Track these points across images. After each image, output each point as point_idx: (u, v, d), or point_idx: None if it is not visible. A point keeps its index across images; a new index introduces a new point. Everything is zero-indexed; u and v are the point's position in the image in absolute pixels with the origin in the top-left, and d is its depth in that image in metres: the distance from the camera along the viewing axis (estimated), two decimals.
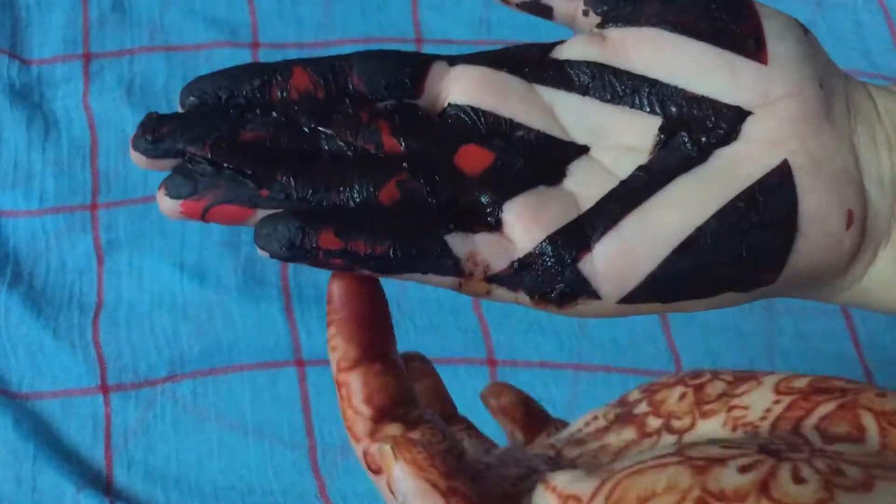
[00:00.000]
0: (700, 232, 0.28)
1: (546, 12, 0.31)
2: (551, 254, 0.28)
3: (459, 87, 0.30)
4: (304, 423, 0.45)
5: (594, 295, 0.29)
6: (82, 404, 0.45)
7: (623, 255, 0.28)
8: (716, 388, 0.28)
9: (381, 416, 0.27)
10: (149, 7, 0.55)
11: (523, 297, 0.29)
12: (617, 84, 0.30)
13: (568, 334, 0.48)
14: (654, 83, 0.30)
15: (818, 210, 0.29)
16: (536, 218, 0.29)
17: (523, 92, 0.30)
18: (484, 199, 0.29)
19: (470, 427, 0.36)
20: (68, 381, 0.46)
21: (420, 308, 0.48)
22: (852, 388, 0.27)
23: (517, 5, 0.31)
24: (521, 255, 0.29)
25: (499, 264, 0.29)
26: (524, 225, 0.29)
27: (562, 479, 0.26)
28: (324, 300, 0.48)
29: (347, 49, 0.56)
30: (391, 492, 0.26)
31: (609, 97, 0.30)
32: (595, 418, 0.30)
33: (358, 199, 0.29)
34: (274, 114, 0.29)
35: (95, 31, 0.55)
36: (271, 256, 0.27)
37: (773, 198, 0.29)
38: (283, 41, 0.56)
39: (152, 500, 0.43)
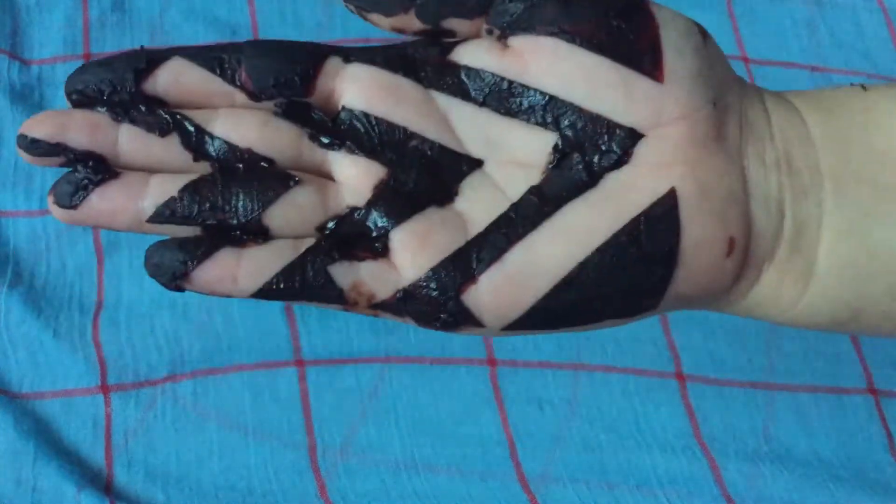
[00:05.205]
0: (582, 267, 0.28)
1: (448, 35, 0.31)
2: (435, 286, 0.28)
3: (353, 90, 0.30)
4: (304, 423, 0.45)
5: (478, 324, 0.29)
6: (83, 404, 0.45)
7: (506, 288, 0.28)
8: None
9: None
10: (149, 7, 0.56)
11: (409, 321, 0.29)
12: (513, 98, 0.30)
13: (568, 335, 0.48)
14: (550, 98, 0.29)
15: (700, 240, 0.29)
16: (423, 246, 0.29)
17: (419, 99, 0.30)
18: (372, 224, 0.29)
19: None
20: (69, 381, 0.46)
21: None
22: None
23: (416, 32, 0.31)
24: (405, 284, 0.29)
25: (383, 293, 0.29)
26: (411, 254, 0.29)
27: None
28: None
29: None
30: None
31: (505, 111, 0.30)
32: None
33: (243, 220, 0.28)
34: (161, 112, 0.29)
35: (96, 31, 0.55)
36: (163, 285, 0.28)
37: (656, 230, 0.28)
38: None
39: (153, 499, 0.43)
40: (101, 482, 0.44)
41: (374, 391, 0.46)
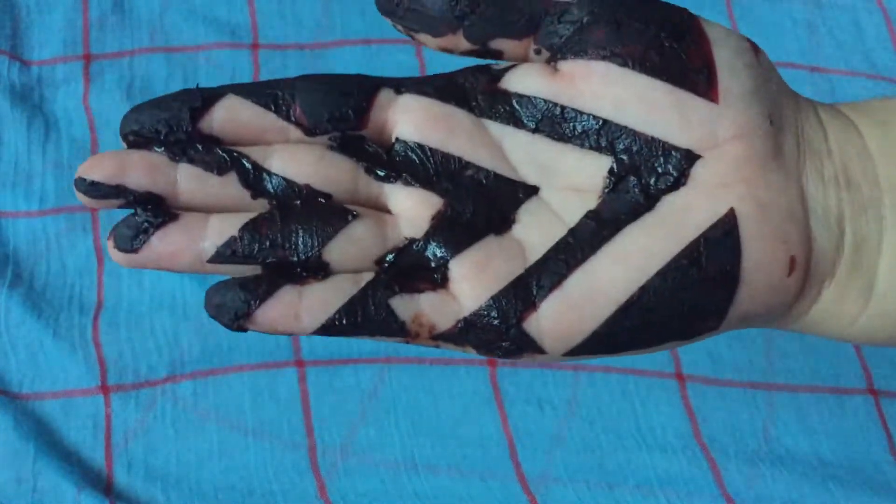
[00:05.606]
0: (643, 291, 0.28)
1: (496, 55, 0.30)
2: (496, 315, 0.28)
3: (406, 122, 0.30)
4: (304, 423, 0.45)
5: (539, 350, 0.28)
6: (83, 405, 0.45)
7: (567, 314, 0.28)
8: None
9: None
10: (149, 8, 0.56)
11: (471, 350, 0.29)
12: (566, 123, 0.29)
13: None
14: (603, 122, 0.29)
15: (761, 260, 0.29)
16: (482, 276, 0.28)
17: (472, 128, 0.30)
18: (430, 255, 0.29)
19: None
20: (69, 381, 0.46)
21: None
22: None
23: (463, 52, 0.30)
24: (466, 314, 0.28)
25: (444, 324, 0.28)
26: (470, 283, 0.28)
27: None
28: None
29: (347, 51, 0.56)
30: None
31: (558, 136, 0.29)
32: None
33: (303, 257, 0.28)
34: (218, 150, 0.29)
35: (95, 32, 0.55)
36: (226, 326, 0.28)
37: (716, 252, 0.28)
38: (284, 42, 0.56)
39: (152, 500, 0.43)
40: (101, 483, 0.44)
41: (374, 391, 0.46)
